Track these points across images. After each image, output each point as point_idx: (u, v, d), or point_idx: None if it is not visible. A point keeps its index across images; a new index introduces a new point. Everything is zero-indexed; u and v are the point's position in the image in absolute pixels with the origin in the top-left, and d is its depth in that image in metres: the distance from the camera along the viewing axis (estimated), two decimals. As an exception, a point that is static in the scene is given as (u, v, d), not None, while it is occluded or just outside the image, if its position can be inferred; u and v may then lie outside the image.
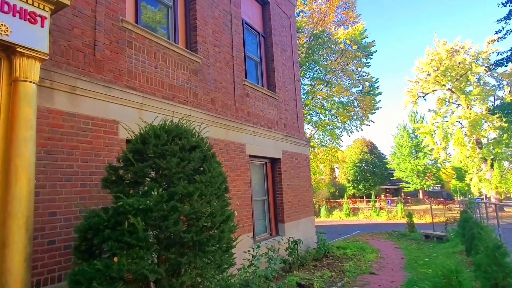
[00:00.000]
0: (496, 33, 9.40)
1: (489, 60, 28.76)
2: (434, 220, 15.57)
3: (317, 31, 19.76)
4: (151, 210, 3.11)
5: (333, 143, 24.89)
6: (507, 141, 29.24)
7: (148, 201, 3.11)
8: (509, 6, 8.96)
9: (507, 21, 9.09)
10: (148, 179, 3.54)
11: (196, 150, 3.64)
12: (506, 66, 9.23)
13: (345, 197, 29.38)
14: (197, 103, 6.22)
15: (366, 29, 20.53)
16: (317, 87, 22.09)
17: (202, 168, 3.69)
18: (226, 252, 3.73)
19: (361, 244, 11.51)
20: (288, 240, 7.97)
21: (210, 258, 3.55)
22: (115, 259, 2.92)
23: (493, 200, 28.98)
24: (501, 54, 9.08)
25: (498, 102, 31.10)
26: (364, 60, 20.95)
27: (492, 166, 30.30)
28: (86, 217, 3.25)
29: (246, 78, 8.07)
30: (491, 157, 30.32)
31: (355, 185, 49.90)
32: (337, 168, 57.40)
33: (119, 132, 4.54)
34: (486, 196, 32.42)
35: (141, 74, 5.13)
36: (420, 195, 46.01)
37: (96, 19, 4.52)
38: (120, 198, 3.12)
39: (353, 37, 19.51)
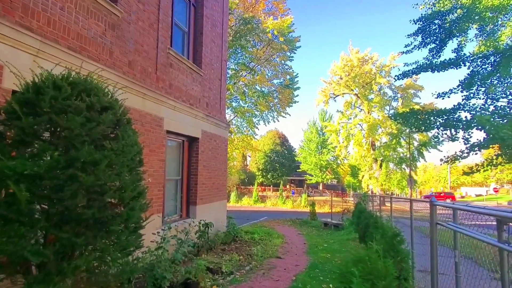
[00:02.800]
0: (405, 47, 10.57)
1: (397, 70, 32.67)
2: (333, 210, 17.13)
3: (247, 15, 19.54)
4: (41, 178, 2.48)
5: (249, 130, 25.33)
6: (394, 146, 33.94)
7: (37, 166, 2.46)
8: (419, 24, 10.13)
9: (415, 37, 10.31)
10: (39, 140, 2.82)
11: (108, 112, 3.04)
12: (410, 77, 10.42)
13: (256, 184, 30.39)
14: (111, 63, 5.39)
15: (293, 23, 21.14)
16: (241, 72, 22.01)
17: (113, 134, 3.12)
18: (133, 233, 3.25)
19: (268, 229, 11.91)
20: (199, 223, 7.68)
21: (114, 239, 3.05)
22: (-18, 237, 2.22)
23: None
24: (408, 65, 10.24)
25: (392, 112, 35.78)
26: (288, 53, 21.61)
27: (381, 166, 34.86)
28: None
29: (171, 46, 7.38)
30: (381, 158, 34.84)
31: (264, 174, 52.14)
32: (249, 156, 59.12)
33: (3, 79, 3.58)
34: (372, 191, 37.17)
35: (42, 14, 4.14)
36: (320, 187, 50.48)
37: None
38: (-4, 159, 2.39)
39: (281, 29, 19.88)
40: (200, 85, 8.79)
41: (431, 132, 9.95)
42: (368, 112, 35.20)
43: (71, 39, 4.58)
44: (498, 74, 8.90)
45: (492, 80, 9.09)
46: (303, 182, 53.73)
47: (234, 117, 23.31)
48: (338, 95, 36.61)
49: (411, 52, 10.43)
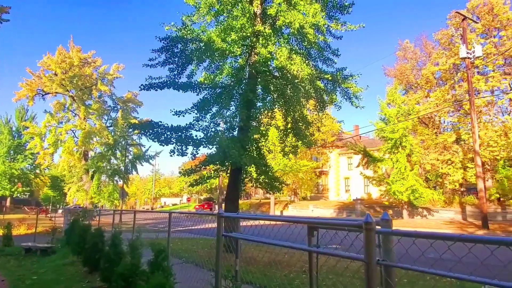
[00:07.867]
0: (150, 60, 10.68)
1: (120, 80, 32.18)
2: (33, 231, 13.89)
3: None
4: None
5: None
6: (109, 157, 33.07)
7: None
8: (164, 43, 10.58)
9: (160, 54, 10.66)
10: None
11: None
12: (156, 90, 10.55)
13: None
14: None
15: (0, -12, 15.97)
16: None
17: None
18: None
19: None
20: None
21: None
22: None
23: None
24: (152, 79, 10.35)
25: (110, 122, 34.93)
26: (-12, 24, 16.01)
27: (92, 178, 32.67)
28: None
29: None
30: (93, 169, 32.75)
31: None
32: None
33: None
34: (79, 205, 33.98)
35: None
36: (8, 203, 40.13)
37: None
38: None
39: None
40: None
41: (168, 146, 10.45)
42: (84, 119, 32.46)
43: None
44: (219, 104, 10.92)
45: (214, 108, 11.01)
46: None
47: None
48: (48, 93, 31.36)
49: (155, 67, 10.70)
